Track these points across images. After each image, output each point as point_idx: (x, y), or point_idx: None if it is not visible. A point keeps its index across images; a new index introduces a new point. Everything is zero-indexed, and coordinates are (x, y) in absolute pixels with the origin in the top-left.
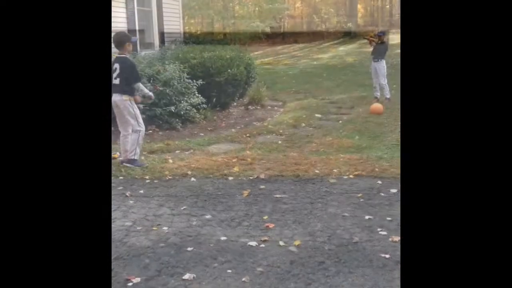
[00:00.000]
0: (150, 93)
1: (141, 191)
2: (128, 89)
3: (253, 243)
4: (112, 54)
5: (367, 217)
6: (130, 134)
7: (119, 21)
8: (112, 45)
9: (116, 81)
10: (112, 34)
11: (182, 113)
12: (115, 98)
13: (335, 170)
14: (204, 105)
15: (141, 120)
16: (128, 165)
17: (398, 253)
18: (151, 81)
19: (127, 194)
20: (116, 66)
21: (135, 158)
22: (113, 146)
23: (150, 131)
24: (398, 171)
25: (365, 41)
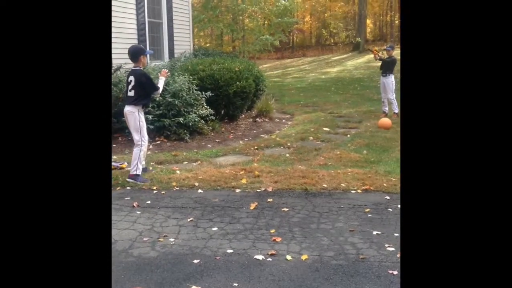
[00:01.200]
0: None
1: (148, 202)
2: (143, 99)
3: (260, 257)
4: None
5: (374, 232)
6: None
7: (130, 32)
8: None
9: (130, 93)
10: (122, 46)
11: (190, 124)
12: (126, 109)
13: (343, 184)
14: (213, 117)
15: (145, 134)
16: (130, 180)
17: None
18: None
19: (134, 204)
20: (131, 78)
21: (138, 173)
22: (121, 156)
23: (158, 142)
24: None
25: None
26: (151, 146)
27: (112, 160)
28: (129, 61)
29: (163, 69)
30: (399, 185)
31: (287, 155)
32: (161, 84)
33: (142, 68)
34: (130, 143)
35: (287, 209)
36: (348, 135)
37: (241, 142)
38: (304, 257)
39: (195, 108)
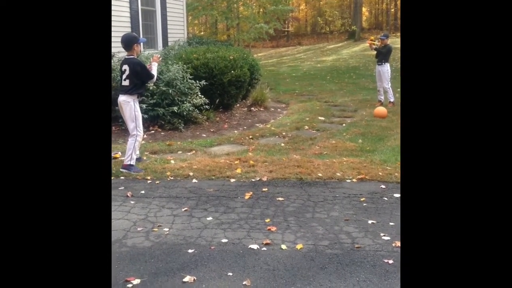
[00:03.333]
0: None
1: (142, 192)
2: (138, 89)
3: (255, 246)
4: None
5: (370, 221)
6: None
7: (123, 20)
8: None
9: (125, 82)
10: (115, 34)
11: (184, 113)
12: (120, 98)
13: (338, 174)
14: (207, 106)
15: (140, 124)
16: (124, 170)
17: None
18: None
19: (128, 194)
20: (125, 67)
21: (132, 163)
22: (114, 145)
23: (153, 131)
24: None
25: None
26: (145, 136)
27: None
28: (122, 49)
29: (154, 54)
30: (395, 174)
31: (282, 144)
32: (154, 71)
33: (136, 57)
34: (123, 132)
35: (282, 199)
36: (344, 124)
37: (236, 131)
38: (299, 246)
39: (189, 97)
